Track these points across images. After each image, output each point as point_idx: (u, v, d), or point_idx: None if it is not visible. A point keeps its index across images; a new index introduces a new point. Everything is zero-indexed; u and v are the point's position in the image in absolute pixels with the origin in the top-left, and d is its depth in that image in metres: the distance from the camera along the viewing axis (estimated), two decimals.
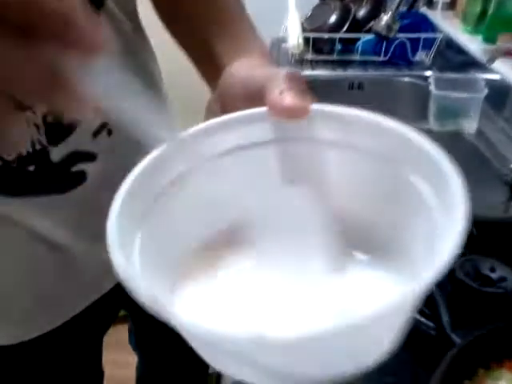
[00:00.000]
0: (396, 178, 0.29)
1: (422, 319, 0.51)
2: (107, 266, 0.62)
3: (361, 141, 0.30)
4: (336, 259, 0.30)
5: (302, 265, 0.29)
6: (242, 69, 0.38)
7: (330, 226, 0.30)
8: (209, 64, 0.46)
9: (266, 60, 0.42)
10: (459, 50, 1.35)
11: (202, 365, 0.80)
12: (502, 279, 0.58)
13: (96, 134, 0.48)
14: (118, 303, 0.68)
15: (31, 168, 0.44)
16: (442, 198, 0.26)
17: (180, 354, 0.85)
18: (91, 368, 0.71)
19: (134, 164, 0.55)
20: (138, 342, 0.92)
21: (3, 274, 0.49)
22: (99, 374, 0.74)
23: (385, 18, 1.11)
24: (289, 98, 0.29)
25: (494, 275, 0.58)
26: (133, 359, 1.00)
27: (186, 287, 0.29)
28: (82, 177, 0.49)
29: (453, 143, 1.11)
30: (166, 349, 0.87)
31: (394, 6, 1.12)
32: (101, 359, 0.73)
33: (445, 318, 0.43)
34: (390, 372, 0.47)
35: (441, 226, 0.25)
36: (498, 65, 1.03)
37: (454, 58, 1.46)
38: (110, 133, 0.49)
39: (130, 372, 1.03)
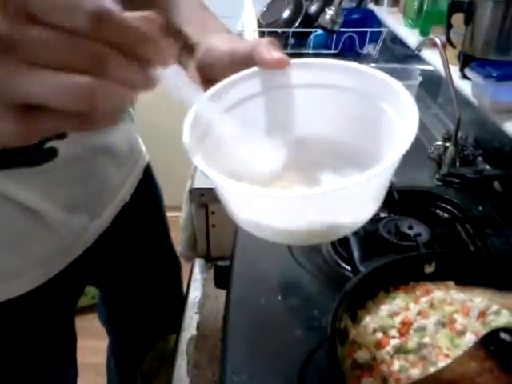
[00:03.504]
0: (372, 106, 0.40)
1: (341, 262, 0.61)
2: (79, 232, 0.71)
3: (341, 81, 0.41)
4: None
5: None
6: (224, 43, 0.47)
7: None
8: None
9: (232, 35, 0.53)
10: (402, 43, 1.46)
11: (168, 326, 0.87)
12: (418, 234, 0.68)
13: None
14: (87, 272, 0.75)
15: None
16: (403, 117, 0.37)
17: (147, 319, 0.92)
18: (65, 331, 0.77)
19: (98, 143, 0.65)
20: (108, 314, 0.98)
21: None
22: (73, 338, 0.80)
23: (329, 12, 1.20)
24: (276, 54, 0.41)
25: (411, 232, 0.68)
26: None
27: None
28: (53, 152, 0.57)
29: None
30: (135, 316, 0.93)
31: (337, 2, 1.21)
32: (74, 325, 0.80)
33: (355, 254, 0.52)
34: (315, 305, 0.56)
35: (400, 132, 0.36)
36: (428, 55, 1.14)
37: (398, 51, 1.57)
38: None
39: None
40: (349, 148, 0.43)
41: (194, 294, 0.83)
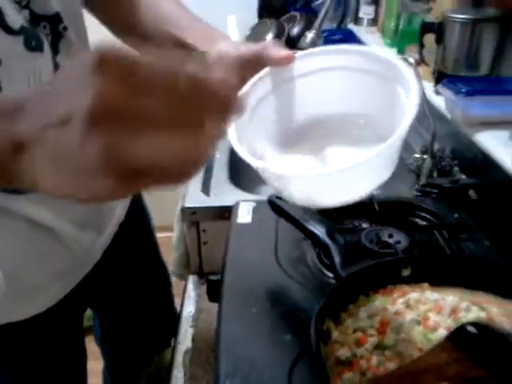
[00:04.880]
0: (385, 86, 0.46)
1: (325, 271, 0.65)
2: (88, 247, 0.76)
3: (357, 64, 0.47)
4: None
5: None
6: (231, 49, 0.52)
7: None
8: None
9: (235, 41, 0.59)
10: None
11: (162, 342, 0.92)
12: (398, 242, 0.72)
13: None
14: (90, 291, 0.78)
15: None
16: (409, 97, 0.43)
17: (142, 336, 0.95)
18: (76, 346, 0.81)
19: None
20: (103, 335, 1.01)
21: (12, 256, 0.60)
22: (83, 352, 0.84)
23: (309, 35, 1.26)
24: (284, 51, 0.48)
25: (391, 240, 0.73)
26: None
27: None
28: None
29: None
30: (130, 335, 0.96)
31: (317, 24, 1.27)
32: (83, 338, 0.83)
33: (336, 261, 0.56)
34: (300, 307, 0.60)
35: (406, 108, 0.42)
36: None
37: None
38: None
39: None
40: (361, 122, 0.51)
41: (188, 309, 0.87)
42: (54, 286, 0.66)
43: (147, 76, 0.25)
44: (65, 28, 0.58)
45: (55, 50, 0.57)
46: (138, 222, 0.88)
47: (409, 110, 0.41)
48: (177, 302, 1.00)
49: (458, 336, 0.45)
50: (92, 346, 1.04)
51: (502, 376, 0.43)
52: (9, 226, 0.59)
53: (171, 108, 0.25)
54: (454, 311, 0.51)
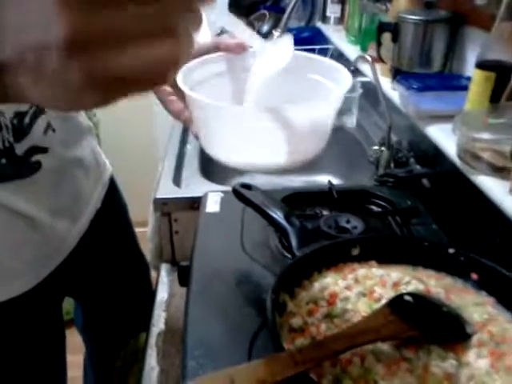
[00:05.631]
0: (309, 80, 0.54)
1: (286, 253, 0.70)
2: (63, 235, 0.81)
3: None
4: None
5: None
6: None
7: None
8: None
9: None
10: (347, 58, 1.58)
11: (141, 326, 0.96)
12: (355, 227, 0.78)
13: (45, 131, 0.65)
14: (68, 278, 0.82)
15: (3, 161, 0.61)
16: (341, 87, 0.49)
17: (121, 320, 0.99)
18: (55, 333, 0.85)
19: (71, 156, 0.75)
20: (85, 321, 1.05)
21: None
22: (62, 340, 0.88)
23: (276, 34, 1.31)
24: (236, 40, 0.54)
25: (348, 225, 0.79)
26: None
27: None
28: (38, 165, 0.66)
29: (337, 136, 1.33)
30: (110, 319, 1.01)
31: (283, 23, 1.32)
32: (63, 327, 0.88)
33: (293, 243, 0.62)
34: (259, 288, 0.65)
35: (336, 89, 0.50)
36: (366, 69, 1.26)
37: (343, 65, 1.70)
38: (54, 130, 0.66)
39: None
40: None
41: (162, 295, 0.91)
42: (30, 272, 0.70)
43: None
44: None
45: None
46: (114, 209, 0.92)
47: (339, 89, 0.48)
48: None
49: (396, 303, 0.51)
50: (71, 340, 1.08)
51: (433, 336, 0.49)
52: None
53: (144, 18, 0.26)
54: (396, 284, 0.58)
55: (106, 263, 0.93)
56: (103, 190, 0.86)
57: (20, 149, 0.63)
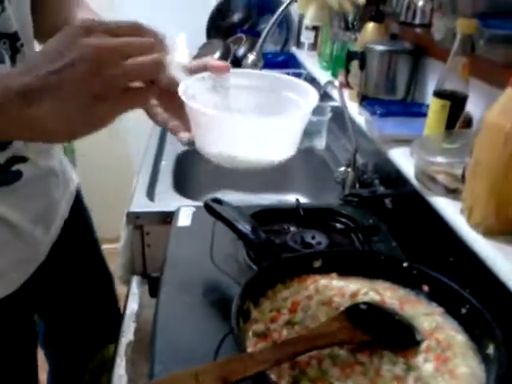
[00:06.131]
0: (281, 97, 0.59)
1: (253, 266, 0.74)
2: (40, 241, 0.84)
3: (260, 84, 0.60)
4: None
5: None
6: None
7: None
8: None
9: None
10: (318, 82, 1.65)
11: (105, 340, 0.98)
12: (319, 243, 0.82)
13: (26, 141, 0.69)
14: (39, 289, 0.85)
15: None
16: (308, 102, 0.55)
17: (86, 334, 1.00)
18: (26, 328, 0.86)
19: (46, 166, 0.79)
20: (47, 337, 1.05)
21: None
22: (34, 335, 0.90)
23: (251, 57, 1.37)
24: (222, 63, 0.58)
25: (313, 241, 0.83)
26: None
27: None
28: (19, 174, 0.70)
29: (307, 157, 1.39)
30: (75, 334, 1.02)
31: (258, 47, 1.38)
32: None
33: (259, 254, 0.65)
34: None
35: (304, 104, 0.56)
36: (336, 94, 1.32)
37: (318, 89, 1.76)
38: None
39: None
40: None
41: (132, 306, 0.93)
42: (11, 274, 0.73)
43: (116, 32, 0.44)
44: (21, 44, 0.66)
45: (14, 62, 0.65)
46: (80, 220, 0.95)
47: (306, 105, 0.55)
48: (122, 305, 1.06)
49: (352, 311, 0.55)
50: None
51: (385, 342, 0.53)
52: None
53: (134, 46, 0.44)
54: (354, 295, 0.62)
55: (71, 276, 0.95)
56: (70, 200, 0.89)
57: (2, 157, 0.66)
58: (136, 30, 0.45)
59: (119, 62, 0.42)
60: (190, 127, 0.58)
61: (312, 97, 0.55)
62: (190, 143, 0.59)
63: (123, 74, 0.42)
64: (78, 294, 0.98)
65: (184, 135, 0.62)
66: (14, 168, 0.69)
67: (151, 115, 0.64)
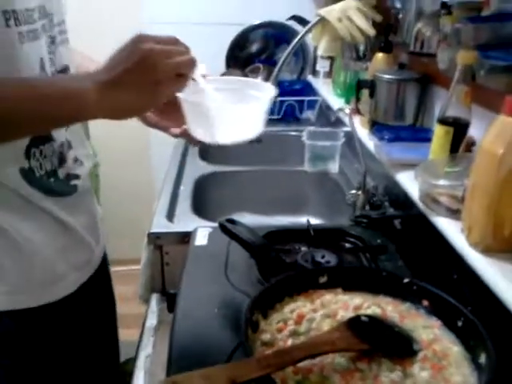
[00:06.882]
0: (245, 92, 0.72)
1: (262, 280, 0.79)
2: (93, 249, 0.92)
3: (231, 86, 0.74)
4: None
5: None
6: None
7: None
8: None
9: None
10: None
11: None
12: (328, 262, 0.87)
13: (74, 161, 0.80)
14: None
15: (52, 180, 0.74)
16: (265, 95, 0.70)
17: None
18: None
19: (88, 184, 0.89)
20: None
21: (43, 248, 0.75)
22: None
23: None
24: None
25: (322, 260, 0.87)
26: None
27: None
28: (75, 187, 0.80)
29: (322, 180, 1.44)
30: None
31: (273, 76, 1.45)
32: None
33: (269, 272, 0.70)
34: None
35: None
36: (347, 119, 1.38)
37: (331, 116, 1.82)
38: (81, 163, 0.82)
39: None
40: None
41: (151, 322, 0.98)
42: (71, 276, 0.81)
43: (161, 41, 0.61)
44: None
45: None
46: (106, 276, 1.00)
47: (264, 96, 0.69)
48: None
49: (354, 322, 0.60)
50: None
51: (384, 351, 0.57)
52: (43, 222, 0.75)
53: (175, 50, 0.62)
54: (357, 308, 0.66)
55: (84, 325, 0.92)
56: (103, 250, 0.95)
57: (61, 173, 0.77)
58: (174, 41, 0.63)
59: (167, 60, 0.60)
60: (179, 125, 0.76)
61: (268, 91, 0.70)
62: (180, 135, 0.78)
63: (171, 67, 0.60)
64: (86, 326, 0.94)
65: (175, 130, 0.79)
66: (72, 183, 0.79)
67: (145, 120, 0.81)
